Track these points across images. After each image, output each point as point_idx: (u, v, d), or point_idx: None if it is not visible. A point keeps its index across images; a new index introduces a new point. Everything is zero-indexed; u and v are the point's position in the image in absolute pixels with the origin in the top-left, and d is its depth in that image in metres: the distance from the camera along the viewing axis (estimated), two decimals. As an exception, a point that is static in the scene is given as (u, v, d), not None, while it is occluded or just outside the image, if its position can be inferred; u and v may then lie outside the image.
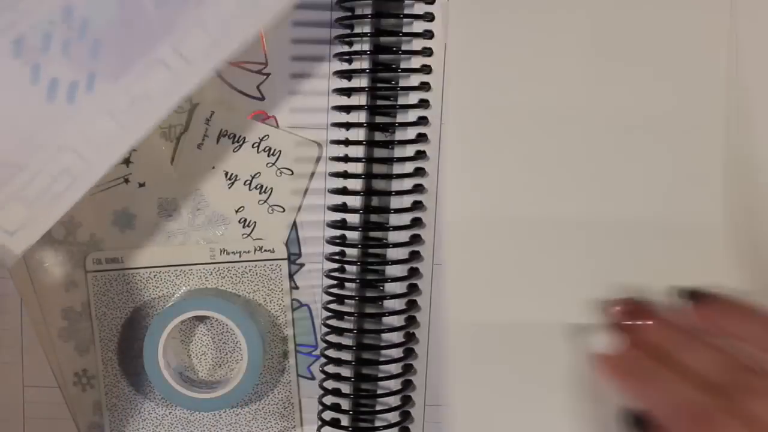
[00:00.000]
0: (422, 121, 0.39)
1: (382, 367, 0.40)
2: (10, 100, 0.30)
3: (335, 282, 0.40)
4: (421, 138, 0.39)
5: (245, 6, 0.32)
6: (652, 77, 0.38)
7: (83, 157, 0.31)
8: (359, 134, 0.40)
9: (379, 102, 0.40)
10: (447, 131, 0.38)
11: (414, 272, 0.40)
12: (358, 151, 0.40)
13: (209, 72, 0.32)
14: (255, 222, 0.41)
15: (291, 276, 0.41)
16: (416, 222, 0.39)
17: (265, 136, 0.40)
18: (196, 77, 0.32)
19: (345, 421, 0.40)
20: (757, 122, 0.37)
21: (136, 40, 0.31)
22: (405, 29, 0.39)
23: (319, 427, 0.41)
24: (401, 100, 0.39)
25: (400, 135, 0.40)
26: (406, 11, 0.39)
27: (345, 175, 0.40)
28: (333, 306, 0.40)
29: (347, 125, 0.40)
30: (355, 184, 0.39)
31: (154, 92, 0.31)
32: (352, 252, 0.40)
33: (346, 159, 0.40)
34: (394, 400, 0.40)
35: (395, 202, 0.39)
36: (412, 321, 0.40)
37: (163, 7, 0.31)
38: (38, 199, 0.31)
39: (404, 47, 0.39)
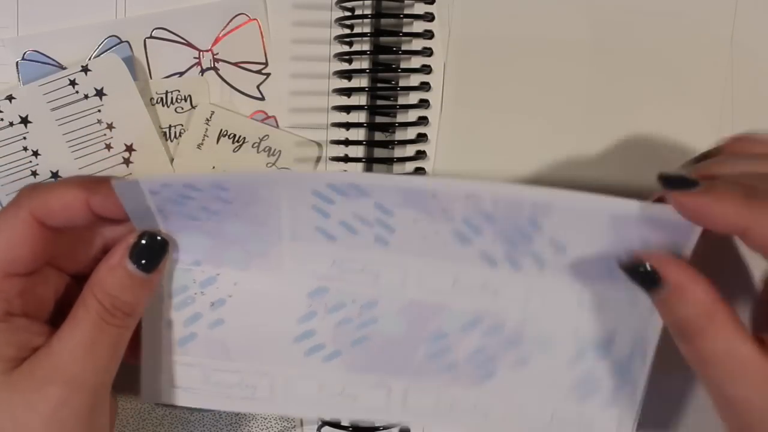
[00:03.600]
0: (422, 121, 0.39)
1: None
2: None
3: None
4: (421, 138, 0.39)
5: None
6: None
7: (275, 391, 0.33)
8: (359, 134, 0.40)
9: (379, 102, 0.40)
10: (443, 132, 0.39)
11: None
12: (358, 151, 0.40)
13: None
14: (255, 222, 0.41)
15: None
16: (416, 222, 0.39)
17: (265, 136, 0.40)
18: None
19: (345, 420, 0.40)
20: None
21: None
22: (405, 29, 0.39)
23: (319, 427, 0.41)
24: (401, 100, 0.39)
25: (400, 135, 0.40)
26: (406, 11, 0.39)
27: (345, 175, 0.40)
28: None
29: (347, 125, 0.40)
30: (355, 184, 0.39)
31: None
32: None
33: (346, 159, 0.40)
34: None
35: (395, 202, 0.39)
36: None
37: None
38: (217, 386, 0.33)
39: (404, 47, 0.39)
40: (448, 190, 0.28)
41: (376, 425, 0.40)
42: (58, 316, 0.31)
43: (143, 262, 0.30)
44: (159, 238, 0.31)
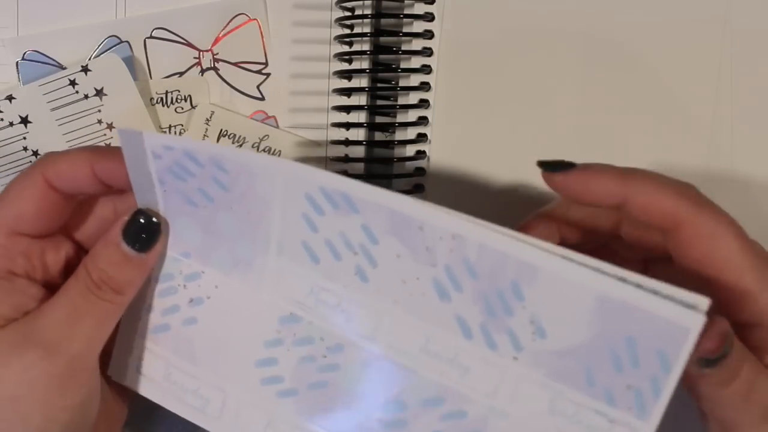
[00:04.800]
0: (422, 121, 0.39)
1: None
2: None
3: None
4: (421, 138, 0.39)
5: None
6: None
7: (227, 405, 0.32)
8: (359, 134, 0.40)
9: (379, 102, 0.40)
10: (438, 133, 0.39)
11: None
12: (358, 151, 0.40)
13: None
14: (255, 222, 0.41)
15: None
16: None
17: (265, 136, 0.40)
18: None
19: None
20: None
21: None
22: (405, 29, 0.39)
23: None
24: (401, 100, 0.39)
25: (400, 135, 0.40)
26: (406, 11, 0.39)
27: (345, 175, 0.39)
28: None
29: (347, 125, 0.40)
30: (355, 184, 0.39)
31: None
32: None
33: (346, 159, 0.40)
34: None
35: (395, 202, 0.39)
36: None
37: None
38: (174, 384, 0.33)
39: (404, 47, 0.39)
40: (437, 224, 0.27)
41: None
42: (60, 286, 0.31)
43: (136, 241, 0.30)
44: (154, 219, 0.31)
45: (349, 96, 0.40)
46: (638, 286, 0.25)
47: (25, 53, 0.40)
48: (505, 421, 0.28)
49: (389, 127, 0.40)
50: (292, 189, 0.29)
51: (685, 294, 0.24)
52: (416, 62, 0.39)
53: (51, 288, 0.31)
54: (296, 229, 0.29)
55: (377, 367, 0.29)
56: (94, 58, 0.40)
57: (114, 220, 0.31)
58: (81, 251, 0.33)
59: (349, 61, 0.40)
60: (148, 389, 0.33)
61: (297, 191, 0.28)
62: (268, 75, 0.41)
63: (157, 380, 0.33)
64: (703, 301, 0.24)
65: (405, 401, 0.29)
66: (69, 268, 0.32)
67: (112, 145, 0.40)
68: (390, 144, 0.39)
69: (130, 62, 0.40)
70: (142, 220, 0.30)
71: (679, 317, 0.24)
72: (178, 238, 0.31)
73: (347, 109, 0.40)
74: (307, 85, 0.40)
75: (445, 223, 0.27)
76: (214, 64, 0.40)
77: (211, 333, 0.32)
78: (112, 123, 0.40)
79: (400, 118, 0.39)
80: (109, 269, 0.30)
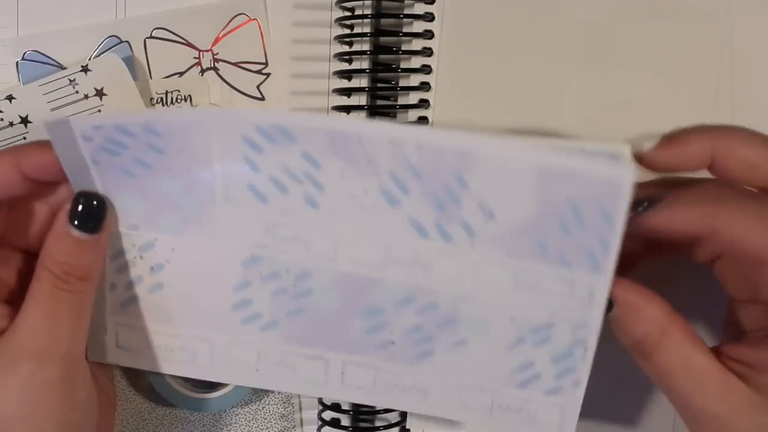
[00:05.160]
0: (422, 121, 0.39)
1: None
2: None
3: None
4: (421, 138, 0.39)
5: None
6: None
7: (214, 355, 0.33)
8: (359, 134, 0.40)
9: (379, 102, 0.40)
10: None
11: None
12: (358, 151, 0.40)
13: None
14: (255, 222, 0.41)
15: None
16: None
17: (265, 136, 0.40)
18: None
19: (345, 421, 0.40)
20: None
21: None
22: (405, 29, 0.39)
23: (319, 427, 0.41)
24: (401, 100, 0.39)
25: (400, 135, 0.40)
26: (406, 11, 0.39)
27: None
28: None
29: (347, 125, 0.40)
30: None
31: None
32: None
33: (346, 159, 0.40)
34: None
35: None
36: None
37: None
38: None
39: (404, 47, 0.39)
40: (372, 133, 0.28)
41: (377, 425, 0.40)
42: (22, 297, 0.31)
43: (85, 223, 0.30)
44: (96, 196, 0.30)
45: (349, 96, 0.40)
46: (569, 150, 0.27)
47: (25, 53, 0.40)
48: (474, 303, 0.30)
49: (389, 127, 0.40)
50: (227, 135, 0.29)
51: (607, 146, 0.28)
52: (416, 62, 0.39)
53: (13, 302, 0.31)
54: (239, 174, 0.30)
55: (346, 283, 0.31)
56: (94, 58, 0.40)
57: (51, 216, 0.31)
58: (30, 257, 0.33)
59: (349, 61, 0.40)
60: (132, 360, 0.34)
61: (232, 136, 0.29)
62: (268, 75, 0.41)
63: (139, 349, 0.33)
64: (625, 149, 0.28)
65: (379, 307, 0.31)
66: (24, 278, 0.31)
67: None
68: (390, 144, 0.39)
69: (130, 62, 0.40)
70: (85, 202, 0.30)
71: (611, 174, 0.26)
72: (122, 212, 0.31)
73: (347, 109, 0.40)
74: (307, 85, 0.40)
75: (381, 131, 0.28)
76: (214, 64, 0.40)
77: (179, 292, 0.32)
78: (112, 123, 0.40)
79: (400, 118, 0.39)
80: (69, 259, 0.30)
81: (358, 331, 0.32)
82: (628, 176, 0.26)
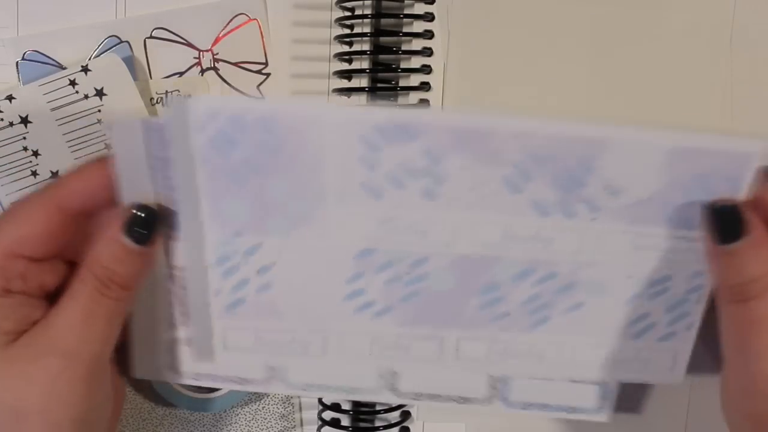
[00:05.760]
0: (422, 121, 0.39)
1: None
2: None
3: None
4: (421, 138, 0.39)
5: None
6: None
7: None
8: (359, 134, 0.40)
9: (379, 102, 0.40)
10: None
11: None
12: (358, 151, 0.40)
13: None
14: (255, 222, 0.41)
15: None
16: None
17: (265, 136, 0.40)
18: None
19: (345, 421, 0.40)
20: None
21: None
22: (405, 29, 0.39)
23: (319, 427, 0.41)
24: (401, 100, 0.39)
25: (400, 135, 0.40)
26: (406, 11, 0.39)
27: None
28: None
29: (347, 125, 0.40)
30: (355, 184, 0.39)
31: None
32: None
33: (346, 159, 0.40)
34: (394, 400, 0.40)
35: (395, 202, 0.39)
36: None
37: None
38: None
39: (404, 47, 0.39)
40: (500, 128, 0.28)
41: (376, 425, 0.40)
42: (58, 297, 0.31)
43: (138, 233, 0.30)
44: (152, 209, 0.30)
45: (349, 96, 0.40)
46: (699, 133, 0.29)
47: (25, 53, 0.40)
48: (594, 267, 0.31)
49: (389, 127, 0.40)
50: (344, 135, 0.29)
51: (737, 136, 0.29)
52: (416, 62, 0.39)
53: (47, 298, 0.31)
54: (353, 175, 0.30)
55: (462, 265, 0.31)
56: (94, 58, 0.40)
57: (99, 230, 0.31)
58: (73, 269, 0.32)
59: (349, 61, 0.40)
60: (240, 359, 0.33)
61: (350, 136, 0.29)
62: (268, 75, 0.41)
63: (248, 348, 0.33)
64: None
65: (497, 282, 0.31)
66: (61, 280, 0.31)
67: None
68: (390, 144, 0.39)
69: (130, 62, 0.40)
70: (140, 213, 0.30)
71: (740, 147, 0.28)
72: (226, 219, 0.31)
73: (347, 109, 0.40)
74: (307, 85, 0.40)
75: (510, 125, 0.28)
76: (214, 64, 0.40)
77: (289, 289, 0.32)
78: (112, 123, 0.40)
79: (400, 118, 0.39)
80: (115, 266, 0.30)
81: (473, 308, 0.32)
82: (757, 148, 0.28)
